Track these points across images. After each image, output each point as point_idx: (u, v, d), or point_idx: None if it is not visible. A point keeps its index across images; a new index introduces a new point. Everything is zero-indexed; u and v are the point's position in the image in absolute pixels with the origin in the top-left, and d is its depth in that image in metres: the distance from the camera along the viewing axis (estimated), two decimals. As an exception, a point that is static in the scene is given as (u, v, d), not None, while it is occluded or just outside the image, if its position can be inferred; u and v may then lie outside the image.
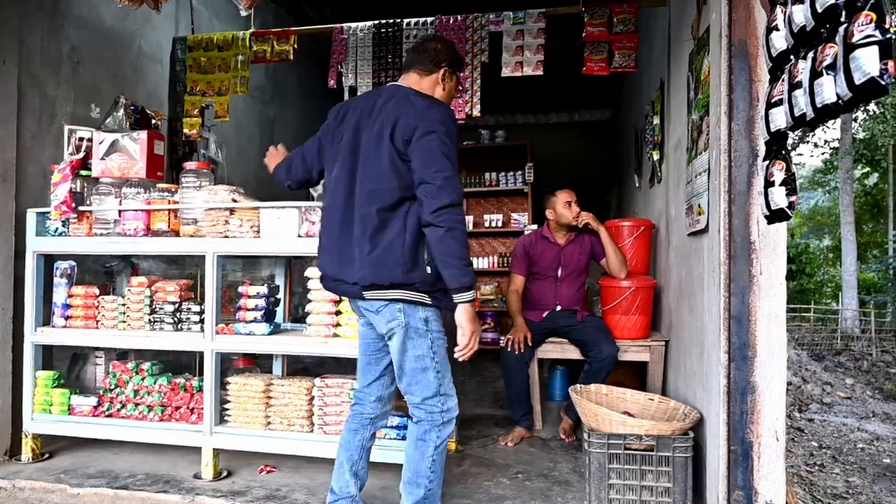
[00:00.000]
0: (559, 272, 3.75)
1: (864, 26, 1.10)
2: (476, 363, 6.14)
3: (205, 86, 4.37)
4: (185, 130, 4.38)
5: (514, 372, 3.52)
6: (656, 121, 3.98)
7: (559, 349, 3.69)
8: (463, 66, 2.43)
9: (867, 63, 1.09)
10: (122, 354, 3.35)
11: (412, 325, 2.07)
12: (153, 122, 4.19)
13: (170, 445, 3.00)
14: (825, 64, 1.24)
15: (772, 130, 1.61)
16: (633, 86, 5.49)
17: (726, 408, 2.16)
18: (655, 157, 3.96)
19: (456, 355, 2.04)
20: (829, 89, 1.24)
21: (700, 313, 2.67)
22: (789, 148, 1.60)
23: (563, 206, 3.70)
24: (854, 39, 1.11)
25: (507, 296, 3.83)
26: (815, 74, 1.30)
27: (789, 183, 1.57)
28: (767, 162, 1.65)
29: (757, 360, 2.12)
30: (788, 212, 1.56)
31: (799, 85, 1.39)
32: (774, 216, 1.62)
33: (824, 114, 1.27)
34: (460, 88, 2.38)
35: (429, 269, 2.01)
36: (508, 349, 3.52)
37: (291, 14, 6.08)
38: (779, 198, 1.57)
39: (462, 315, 2.00)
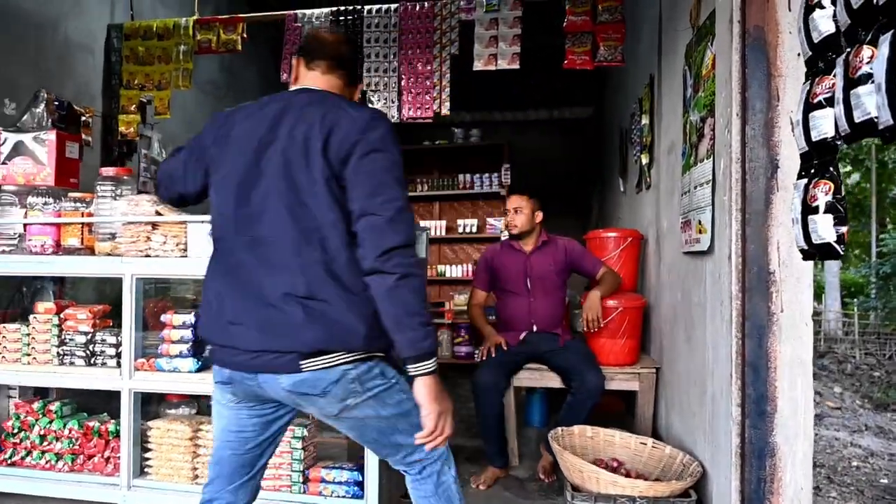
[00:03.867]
0: (528, 285, 3.32)
1: None
2: (447, 380, 5.74)
3: (143, 79, 3.91)
4: (122, 129, 3.91)
5: (486, 402, 3.12)
6: (645, 121, 3.61)
7: (537, 376, 3.30)
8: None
9: None
10: (39, 390, 2.88)
11: (375, 389, 1.51)
12: (83, 118, 3.74)
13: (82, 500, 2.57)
14: (918, 48, 0.85)
15: (814, 139, 1.22)
16: (619, 82, 5.13)
17: (739, 472, 1.78)
18: (644, 160, 3.59)
19: (418, 442, 1.50)
20: (925, 85, 0.85)
21: (700, 347, 2.30)
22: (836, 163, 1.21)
23: (510, 213, 3.32)
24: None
25: (470, 312, 3.46)
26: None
27: (837, 210, 1.18)
28: (806, 181, 1.26)
29: (778, 416, 1.74)
30: (837, 248, 1.18)
31: (865, 79, 1.00)
32: (817, 251, 1.23)
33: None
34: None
35: None
36: (483, 357, 3.18)
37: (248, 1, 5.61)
38: (824, 229, 1.19)
39: (423, 391, 1.45)
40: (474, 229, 6.06)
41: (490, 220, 6.10)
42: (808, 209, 1.24)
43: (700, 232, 2.21)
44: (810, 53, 1.28)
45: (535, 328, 3.28)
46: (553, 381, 3.27)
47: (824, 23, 1.20)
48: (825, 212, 1.19)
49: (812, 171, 1.26)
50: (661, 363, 3.19)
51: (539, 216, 3.35)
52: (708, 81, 2.16)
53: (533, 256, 3.31)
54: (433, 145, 6.26)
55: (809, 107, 1.24)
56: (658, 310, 3.29)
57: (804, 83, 1.31)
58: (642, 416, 3.18)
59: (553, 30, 4.14)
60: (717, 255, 2.02)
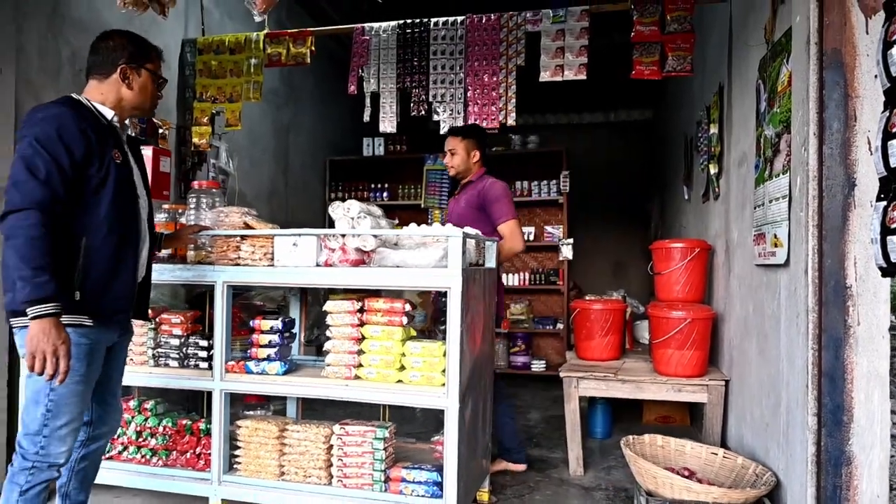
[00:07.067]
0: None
1: None
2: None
3: (215, 91, 4.24)
4: (195, 140, 4.25)
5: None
6: (713, 130, 3.75)
7: (603, 387, 3.47)
8: (151, 54, 2.30)
9: None
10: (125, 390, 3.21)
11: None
12: (161, 131, 4.09)
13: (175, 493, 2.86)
14: None
15: (893, 166, 1.39)
16: (682, 85, 5.25)
17: (815, 480, 1.93)
18: (713, 170, 3.72)
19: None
20: None
21: (774, 359, 2.44)
22: (914, 187, 1.38)
23: (448, 155, 3.54)
24: None
25: None
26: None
27: (915, 230, 1.35)
28: (885, 203, 1.43)
29: (854, 426, 1.89)
30: (915, 267, 1.34)
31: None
32: (894, 269, 1.40)
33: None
34: (161, 80, 2.36)
35: (77, 294, 1.99)
36: None
37: (308, 12, 5.94)
38: (902, 249, 1.36)
39: (26, 335, 1.86)
40: (532, 237, 6.24)
41: (548, 229, 6.27)
42: (886, 230, 1.41)
43: (776, 245, 2.36)
44: (888, 85, 1.44)
45: None
46: (619, 391, 3.44)
47: (901, 59, 1.37)
48: (902, 233, 1.35)
49: (891, 194, 1.42)
50: (730, 375, 3.32)
51: (476, 155, 3.52)
52: (784, 97, 2.31)
53: (457, 197, 3.53)
54: (490, 152, 6.46)
55: (888, 135, 1.41)
56: (728, 322, 3.42)
57: (882, 112, 1.47)
58: (711, 429, 3.31)
59: (610, 30, 4.31)
60: (794, 268, 2.17)
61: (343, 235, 2.65)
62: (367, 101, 3.96)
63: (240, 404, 3.60)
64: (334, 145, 6.84)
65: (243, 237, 2.76)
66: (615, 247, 7.63)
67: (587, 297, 4.27)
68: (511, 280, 6.24)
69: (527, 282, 6.26)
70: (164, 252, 2.85)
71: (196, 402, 3.37)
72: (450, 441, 2.45)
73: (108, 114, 2.18)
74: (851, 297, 1.90)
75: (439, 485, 2.50)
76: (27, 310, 1.84)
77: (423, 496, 2.52)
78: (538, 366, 6.08)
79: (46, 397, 2.00)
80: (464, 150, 3.49)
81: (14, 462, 2.06)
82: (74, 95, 2.17)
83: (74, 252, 2.01)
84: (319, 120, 6.54)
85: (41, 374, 1.87)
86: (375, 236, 2.62)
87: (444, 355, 2.49)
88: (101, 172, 2.06)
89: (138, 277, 2.26)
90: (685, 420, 4.50)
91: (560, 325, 6.17)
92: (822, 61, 1.95)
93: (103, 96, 2.18)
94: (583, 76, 3.62)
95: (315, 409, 3.85)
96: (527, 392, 5.76)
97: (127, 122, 2.37)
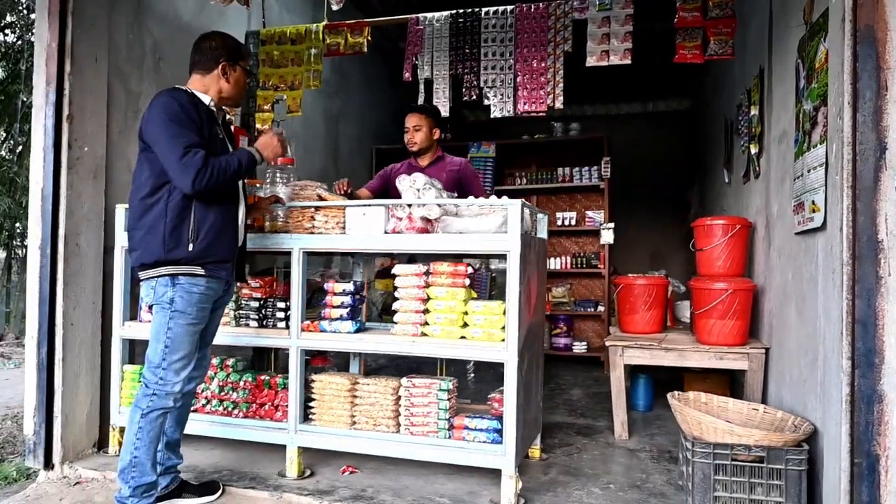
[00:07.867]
0: None
1: None
2: (546, 370, 6.19)
3: (277, 80, 4.58)
4: (258, 126, 4.59)
5: None
6: (754, 111, 3.95)
7: (647, 355, 3.71)
8: (245, 54, 2.77)
9: None
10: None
11: (157, 301, 2.47)
12: (227, 117, 4.43)
13: (249, 441, 3.18)
14: None
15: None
16: (722, 73, 5.43)
17: (849, 418, 2.15)
18: (753, 150, 3.92)
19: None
20: None
21: (812, 318, 2.66)
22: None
23: (410, 131, 3.88)
24: None
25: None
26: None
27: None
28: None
29: (885, 366, 2.11)
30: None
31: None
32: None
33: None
34: (250, 80, 2.83)
35: (191, 247, 2.44)
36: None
37: (354, 4, 6.25)
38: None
39: (258, 146, 2.66)
40: (573, 222, 6.48)
41: (589, 213, 6.50)
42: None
43: (813, 211, 2.58)
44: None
45: None
46: (662, 359, 3.67)
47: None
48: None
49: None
50: (770, 344, 3.52)
51: (437, 133, 3.93)
52: (821, 73, 2.53)
53: (426, 171, 3.75)
54: (531, 139, 6.73)
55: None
56: (768, 292, 3.62)
57: (907, 76, 1.69)
58: (751, 395, 3.52)
59: (651, 17, 4.51)
60: (830, 229, 2.39)
61: (409, 205, 2.94)
62: (421, 86, 4.25)
63: (310, 368, 3.91)
64: (380, 134, 7.16)
65: (317, 208, 3.07)
66: (653, 237, 7.80)
67: (630, 275, 4.50)
68: (553, 263, 6.48)
69: (568, 265, 6.50)
70: (245, 222, 3.19)
71: (262, 362, 3.71)
72: (509, 390, 2.72)
73: (206, 99, 2.64)
74: (883, 250, 2.12)
75: (499, 432, 2.78)
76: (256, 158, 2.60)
77: (484, 442, 2.79)
78: (579, 347, 6.32)
79: (165, 335, 2.42)
80: (428, 128, 3.90)
81: (139, 392, 2.49)
82: (180, 87, 2.58)
83: (187, 213, 2.42)
84: (366, 109, 6.87)
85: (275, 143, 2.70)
86: (439, 206, 2.90)
87: (504, 314, 2.76)
88: (206, 144, 2.45)
89: (240, 236, 2.65)
90: (725, 396, 4.69)
91: (601, 308, 6.39)
92: (856, 37, 2.17)
93: (205, 87, 2.65)
94: (627, 61, 3.84)
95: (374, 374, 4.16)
96: (568, 373, 6.00)
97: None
